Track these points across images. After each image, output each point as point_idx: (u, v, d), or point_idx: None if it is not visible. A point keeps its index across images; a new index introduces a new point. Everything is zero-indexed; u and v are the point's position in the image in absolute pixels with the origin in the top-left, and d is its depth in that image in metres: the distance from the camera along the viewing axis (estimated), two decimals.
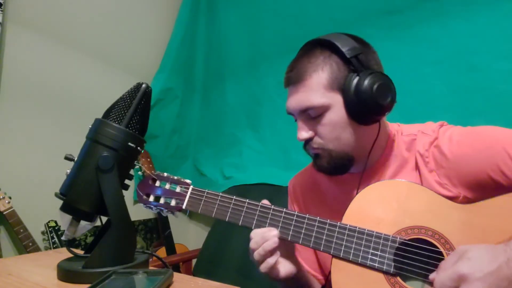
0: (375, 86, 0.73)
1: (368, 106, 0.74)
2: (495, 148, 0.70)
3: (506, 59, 1.30)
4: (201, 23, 2.36)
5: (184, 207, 0.79)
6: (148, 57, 2.24)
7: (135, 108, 0.71)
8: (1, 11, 1.53)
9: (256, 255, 0.72)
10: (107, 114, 0.72)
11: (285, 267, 0.77)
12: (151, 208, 0.82)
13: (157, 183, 0.83)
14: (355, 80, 0.74)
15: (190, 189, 0.80)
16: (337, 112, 0.77)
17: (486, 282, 0.54)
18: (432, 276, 0.61)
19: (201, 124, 2.40)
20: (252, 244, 0.74)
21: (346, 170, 0.81)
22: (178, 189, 0.81)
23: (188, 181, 0.82)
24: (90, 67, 1.94)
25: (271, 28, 2.06)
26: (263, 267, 0.73)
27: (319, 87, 0.77)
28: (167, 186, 0.82)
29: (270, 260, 0.72)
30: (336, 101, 0.77)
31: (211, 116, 2.36)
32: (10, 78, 1.61)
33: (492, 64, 1.32)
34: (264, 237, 0.72)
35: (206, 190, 0.79)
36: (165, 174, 0.83)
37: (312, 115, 0.79)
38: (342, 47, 0.75)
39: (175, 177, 0.82)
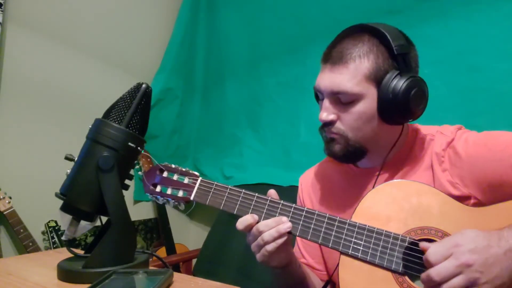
0: (413, 92, 0.73)
1: (401, 108, 0.74)
2: (510, 151, 0.69)
3: (507, 59, 1.29)
4: (201, 23, 2.36)
5: (192, 198, 0.79)
6: (148, 57, 2.24)
7: (135, 108, 0.71)
8: (1, 11, 1.53)
9: (268, 235, 0.71)
10: (107, 114, 0.72)
11: (279, 257, 0.76)
12: (157, 199, 0.81)
13: (165, 174, 0.82)
14: (396, 80, 0.74)
15: (199, 181, 0.80)
16: (368, 104, 0.76)
17: (477, 253, 0.56)
18: (423, 244, 0.62)
19: (201, 124, 2.40)
20: (262, 227, 0.72)
21: (356, 160, 0.83)
22: (186, 180, 0.81)
23: (196, 173, 0.81)
24: (90, 67, 1.94)
25: (271, 28, 2.05)
26: (263, 254, 0.73)
27: (359, 74, 0.75)
28: (175, 177, 0.81)
29: (271, 247, 0.71)
30: (370, 93, 0.76)
31: (211, 116, 2.36)
32: (10, 78, 1.61)
33: (492, 64, 1.32)
34: (277, 221, 0.72)
35: (215, 182, 0.79)
36: (173, 165, 0.82)
37: (342, 100, 0.77)
38: (392, 41, 0.74)
39: (184, 169, 0.82)
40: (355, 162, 0.84)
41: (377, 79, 0.75)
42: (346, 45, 0.77)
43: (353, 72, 0.75)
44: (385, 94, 0.74)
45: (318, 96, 0.83)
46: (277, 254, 0.74)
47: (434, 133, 0.82)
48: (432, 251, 0.59)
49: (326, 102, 0.79)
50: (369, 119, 0.76)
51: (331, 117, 0.78)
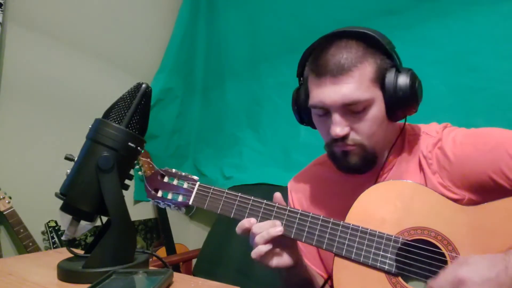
0: (416, 84, 0.74)
1: (406, 103, 0.74)
2: (498, 151, 0.69)
3: (506, 59, 1.30)
4: (201, 23, 2.36)
5: (191, 203, 0.80)
6: (148, 57, 2.24)
7: (135, 108, 0.71)
8: (1, 11, 1.53)
9: (259, 238, 0.71)
10: (107, 114, 0.72)
11: (278, 259, 0.76)
12: (159, 203, 0.83)
13: (165, 179, 0.83)
14: (397, 76, 0.74)
15: (196, 186, 0.80)
16: (379, 107, 0.75)
17: (484, 287, 0.55)
18: (431, 282, 0.61)
19: (201, 124, 2.40)
20: (256, 229, 0.73)
21: (369, 169, 0.79)
22: (185, 185, 0.81)
23: (195, 177, 0.82)
24: (90, 67, 1.94)
25: (271, 28, 2.05)
26: (255, 253, 0.72)
27: (364, 79, 0.73)
28: (175, 182, 0.82)
29: (263, 248, 0.71)
30: (378, 96, 0.75)
31: (211, 116, 2.36)
32: (10, 78, 1.61)
33: (492, 64, 1.32)
34: (270, 225, 0.73)
35: (212, 187, 0.80)
36: (173, 170, 0.83)
37: (354, 110, 0.74)
38: (382, 40, 0.74)
39: (183, 173, 0.83)
40: (370, 169, 0.79)
41: (380, 80, 0.75)
42: (340, 54, 0.73)
43: (359, 79, 0.72)
44: (390, 93, 0.74)
45: (317, 112, 0.79)
46: (274, 255, 0.75)
47: (420, 133, 0.82)
48: (436, 285, 0.59)
49: (337, 116, 0.74)
50: (381, 121, 0.76)
51: (346, 130, 0.74)
